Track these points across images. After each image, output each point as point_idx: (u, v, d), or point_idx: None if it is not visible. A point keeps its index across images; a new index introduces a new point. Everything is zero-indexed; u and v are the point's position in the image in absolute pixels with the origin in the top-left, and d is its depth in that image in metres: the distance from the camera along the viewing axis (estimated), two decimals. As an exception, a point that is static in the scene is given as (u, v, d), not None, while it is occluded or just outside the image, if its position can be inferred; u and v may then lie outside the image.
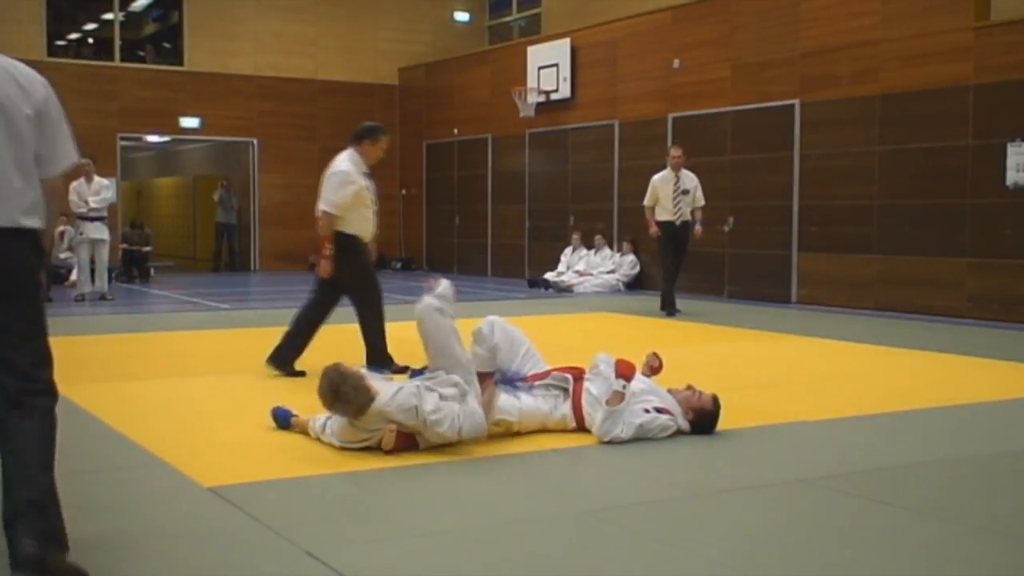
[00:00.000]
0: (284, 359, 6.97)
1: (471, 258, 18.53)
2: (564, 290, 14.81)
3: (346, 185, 6.93)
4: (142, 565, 3.34)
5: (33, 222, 3.21)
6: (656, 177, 11.38)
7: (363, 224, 7.09)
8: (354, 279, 7.11)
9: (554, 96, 16.41)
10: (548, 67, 16.48)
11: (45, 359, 3.25)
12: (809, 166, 12.62)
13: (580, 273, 15.30)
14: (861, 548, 3.50)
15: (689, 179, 11.40)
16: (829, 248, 12.46)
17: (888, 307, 11.67)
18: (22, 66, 3.31)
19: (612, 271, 15.12)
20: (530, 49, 16.97)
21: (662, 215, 11.26)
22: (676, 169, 11.33)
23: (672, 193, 11.24)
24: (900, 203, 11.69)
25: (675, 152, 11.47)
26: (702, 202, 11.46)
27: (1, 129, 3.17)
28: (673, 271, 11.47)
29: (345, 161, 7.06)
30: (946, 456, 4.87)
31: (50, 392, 3.24)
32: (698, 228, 11.41)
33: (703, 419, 5.15)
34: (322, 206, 6.99)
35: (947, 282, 11.23)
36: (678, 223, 11.23)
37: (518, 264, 17.44)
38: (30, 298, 3.22)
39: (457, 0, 21.05)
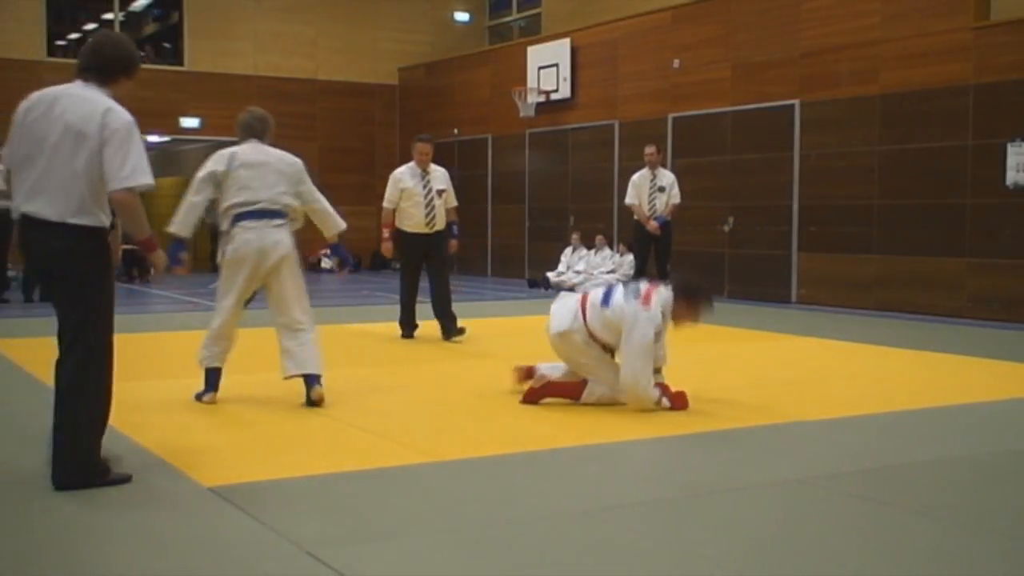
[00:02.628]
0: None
1: (471, 258, 18.52)
2: (567, 290, 14.80)
3: (391, 184, 8.99)
4: (142, 565, 3.34)
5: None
6: (635, 175, 11.61)
7: (405, 219, 8.91)
8: (400, 263, 9.38)
9: (554, 96, 16.40)
10: (548, 67, 16.48)
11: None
12: (809, 166, 12.63)
13: (580, 273, 15.29)
14: (861, 548, 3.50)
15: (665, 176, 11.63)
16: (829, 248, 12.46)
17: (888, 307, 11.67)
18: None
19: (612, 271, 15.11)
20: (530, 49, 16.97)
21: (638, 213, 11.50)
22: (652, 167, 11.56)
23: (648, 190, 11.44)
24: (900, 203, 11.69)
25: (649, 150, 11.66)
26: (677, 199, 11.62)
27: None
28: (660, 272, 11.65)
29: (403, 166, 9.13)
30: (946, 456, 4.87)
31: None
32: (653, 223, 11.42)
33: (690, 280, 5.92)
34: None
35: (947, 282, 11.23)
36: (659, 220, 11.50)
37: (518, 264, 17.44)
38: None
39: (457, 0, 21.05)
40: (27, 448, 4.76)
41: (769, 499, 4.10)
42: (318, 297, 14.45)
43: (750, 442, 5.09)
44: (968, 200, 11.03)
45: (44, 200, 4.06)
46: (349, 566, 3.23)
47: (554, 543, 3.53)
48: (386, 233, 9.07)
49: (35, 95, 4.19)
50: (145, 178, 4.09)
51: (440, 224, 8.98)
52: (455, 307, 9.11)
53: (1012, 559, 3.44)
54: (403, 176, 8.96)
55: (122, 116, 4.09)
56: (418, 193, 8.86)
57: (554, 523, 3.74)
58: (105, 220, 4.15)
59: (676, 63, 14.42)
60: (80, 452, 4.10)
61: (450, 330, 8.93)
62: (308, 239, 22.00)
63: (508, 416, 5.80)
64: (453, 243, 9.27)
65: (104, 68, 4.19)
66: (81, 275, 4.11)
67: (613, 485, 4.34)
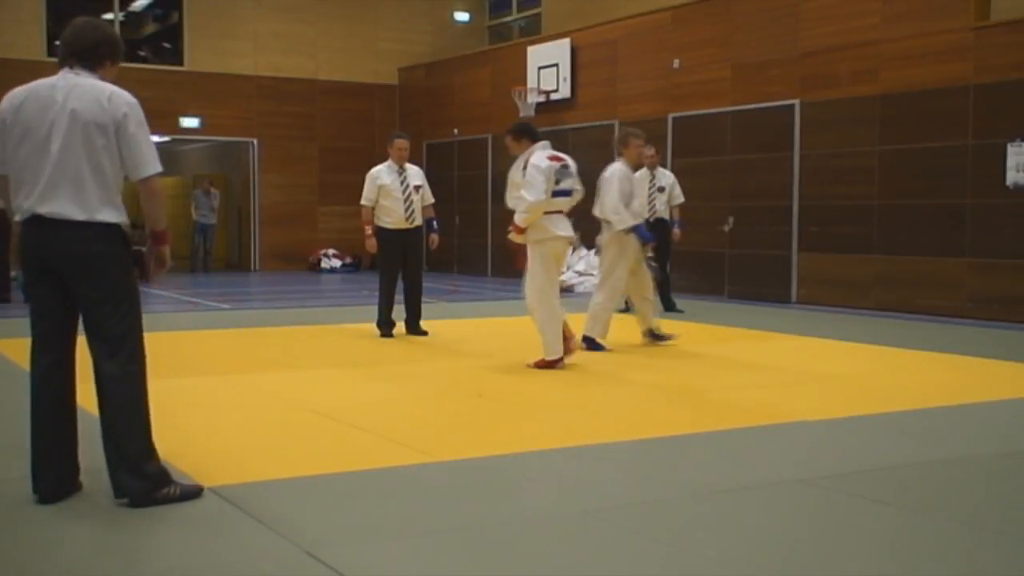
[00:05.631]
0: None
1: (471, 258, 18.52)
2: (564, 290, 14.76)
3: (368, 182, 9.20)
4: (142, 565, 3.34)
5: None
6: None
7: (385, 215, 9.14)
8: (378, 260, 9.46)
9: (554, 96, 16.40)
10: (548, 67, 16.48)
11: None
12: (809, 166, 12.62)
13: (580, 273, 15.29)
14: (861, 548, 3.50)
15: (665, 176, 11.66)
16: (829, 248, 12.45)
17: (888, 307, 11.67)
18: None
19: (612, 271, 15.10)
20: (530, 49, 16.97)
21: None
22: (652, 168, 11.58)
23: (648, 191, 11.46)
24: (900, 203, 11.69)
25: (648, 152, 11.64)
26: (680, 199, 11.62)
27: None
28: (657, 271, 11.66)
29: (380, 164, 9.34)
30: (946, 456, 4.87)
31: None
32: (676, 231, 11.57)
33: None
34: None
35: (947, 282, 11.23)
36: (651, 220, 11.46)
37: (518, 264, 17.42)
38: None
39: (457, 0, 21.05)
40: (24, 451, 4.76)
41: (769, 499, 4.10)
42: (318, 297, 14.49)
43: (750, 442, 5.09)
44: (968, 200, 11.03)
45: (64, 199, 3.79)
46: (349, 566, 3.23)
47: (554, 543, 3.53)
48: (368, 230, 9.27)
49: (19, 90, 3.91)
50: (158, 163, 3.97)
51: (419, 220, 9.31)
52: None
53: (1013, 559, 3.44)
54: (380, 174, 9.20)
55: (128, 98, 3.89)
56: (396, 189, 9.13)
57: (554, 523, 3.74)
58: (125, 215, 3.94)
59: (676, 63, 14.41)
60: (146, 462, 3.92)
61: (415, 328, 9.32)
62: (308, 239, 21.93)
63: (508, 416, 5.80)
64: (434, 237, 9.63)
65: (91, 52, 3.93)
66: (116, 278, 3.91)
67: (613, 485, 4.34)
